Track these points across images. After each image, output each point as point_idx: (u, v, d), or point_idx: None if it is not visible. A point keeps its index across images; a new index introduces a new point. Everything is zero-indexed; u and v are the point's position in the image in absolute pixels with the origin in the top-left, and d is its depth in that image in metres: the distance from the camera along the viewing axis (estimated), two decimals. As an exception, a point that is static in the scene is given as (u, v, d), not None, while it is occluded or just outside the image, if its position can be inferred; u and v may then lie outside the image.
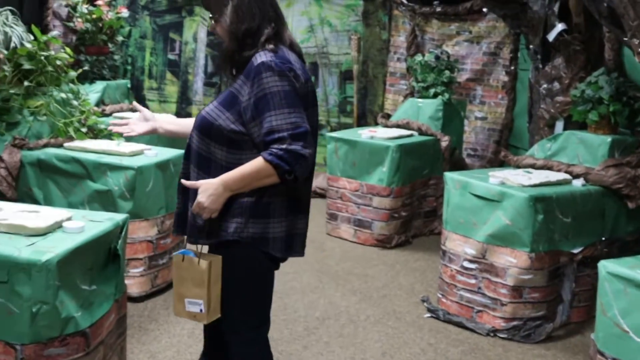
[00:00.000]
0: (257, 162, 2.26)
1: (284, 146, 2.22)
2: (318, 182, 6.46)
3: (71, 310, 2.49)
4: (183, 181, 2.39)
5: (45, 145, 4.17)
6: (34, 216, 2.69)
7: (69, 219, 2.75)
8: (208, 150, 2.36)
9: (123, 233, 2.87)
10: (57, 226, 2.67)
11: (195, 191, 2.34)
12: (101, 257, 2.76)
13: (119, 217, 2.89)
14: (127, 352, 3.46)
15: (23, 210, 2.80)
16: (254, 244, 2.34)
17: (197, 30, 7.36)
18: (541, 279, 3.85)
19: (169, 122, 2.71)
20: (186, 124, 2.62)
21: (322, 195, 6.33)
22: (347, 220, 5.54)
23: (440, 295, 4.26)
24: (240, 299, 2.40)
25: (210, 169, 2.36)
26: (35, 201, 4.05)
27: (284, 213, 2.37)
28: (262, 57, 2.29)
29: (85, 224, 2.69)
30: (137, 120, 2.70)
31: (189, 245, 2.45)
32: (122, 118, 5.09)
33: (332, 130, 6.79)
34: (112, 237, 2.81)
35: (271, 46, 2.32)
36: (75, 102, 4.46)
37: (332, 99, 7.07)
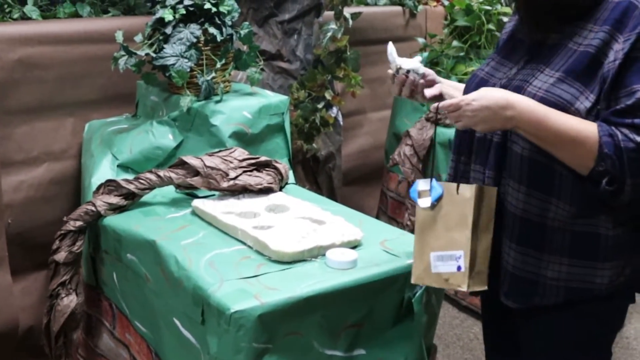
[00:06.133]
0: (586, 128, 1.45)
1: (638, 138, 1.42)
2: None
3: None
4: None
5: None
6: (305, 230, 1.92)
7: (347, 244, 1.89)
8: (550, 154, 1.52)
9: (432, 278, 1.89)
10: (318, 253, 1.85)
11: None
12: (385, 310, 1.85)
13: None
14: None
15: (310, 216, 2.04)
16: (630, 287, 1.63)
17: None
18: None
19: (453, 86, 1.81)
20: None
21: None
22: None
23: None
24: None
25: (552, 185, 1.53)
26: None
27: None
28: None
29: (357, 257, 1.81)
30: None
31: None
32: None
33: None
34: (406, 282, 1.86)
35: None
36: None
37: None
